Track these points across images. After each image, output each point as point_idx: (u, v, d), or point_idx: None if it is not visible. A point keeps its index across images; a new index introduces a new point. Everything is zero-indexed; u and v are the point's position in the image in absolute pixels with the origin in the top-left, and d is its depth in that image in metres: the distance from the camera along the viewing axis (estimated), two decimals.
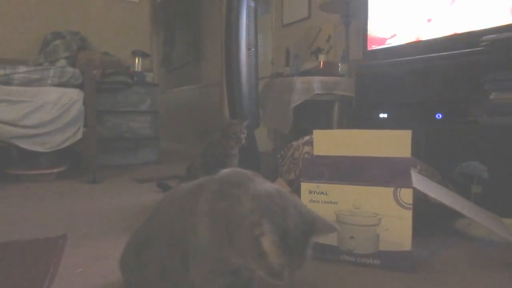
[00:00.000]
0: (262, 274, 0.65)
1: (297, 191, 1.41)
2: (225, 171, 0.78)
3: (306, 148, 1.62)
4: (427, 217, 1.24)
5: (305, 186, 1.09)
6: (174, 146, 4.53)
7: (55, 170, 2.48)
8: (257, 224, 0.61)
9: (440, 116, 1.77)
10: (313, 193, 1.08)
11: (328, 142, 1.11)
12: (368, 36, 2.13)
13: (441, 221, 1.35)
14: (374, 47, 2.11)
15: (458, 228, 1.34)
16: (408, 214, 1.00)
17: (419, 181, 1.11)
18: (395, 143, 1.02)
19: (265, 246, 0.61)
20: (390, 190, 1.01)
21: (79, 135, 2.34)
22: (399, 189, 1.00)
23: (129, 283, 0.88)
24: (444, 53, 1.72)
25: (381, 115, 1.99)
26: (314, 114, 2.39)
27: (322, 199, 1.07)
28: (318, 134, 1.12)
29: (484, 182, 1.42)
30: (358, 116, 2.10)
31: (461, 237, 1.28)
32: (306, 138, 1.70)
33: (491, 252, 1.16)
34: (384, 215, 1.02)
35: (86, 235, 1.37)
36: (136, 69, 3.11)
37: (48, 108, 2.25)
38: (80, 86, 2.41)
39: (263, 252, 0.62)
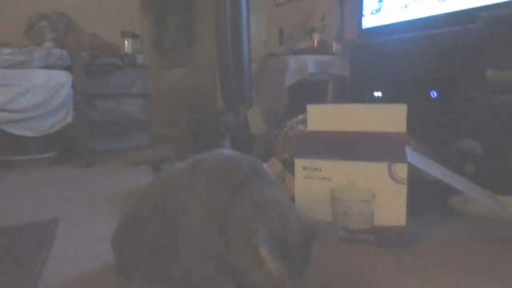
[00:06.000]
0: (260, 282, 0.63)
1: (290, 169, 1.40)
2: (222, 154, 0.76)
3: (300, 127, 1.60)
4: (421, 195, 1.24)
5: (299, 163, 1.08)
6: (167, 130, 4.49)
7: (46, 155, 2.43)
8: (255, 232, 0.60)
9: (435, 94, 1.75)
10: (307, 169, 1.07)
11: (323, 117, 1.09)
12: (363, 14, 2.09)
13: (435, 200, 1.35)
14: (369, 26, 2.07)
15: (452, 205, 1.34)
16: (403, 190, 0.99)
17: (414, 157, 1.10)
18: (390, 118, 1.01)
19: (264, 255, 0.60)
20: (385, 165, 1.00)
21: (69, 119, 2.30)
22: (393, 164, 0.99)
23: (122, 264, 0.87)
24: (440, 30, 1.70)
25: (376, 94, 1.97)
26: (308, 94, 2.36)
27: (316, 175, 1.06)
28: (312, 109, 1.10)
29: (478, 160, 1.42)
30: (353, 95, 2.08)
31: (455, 215, 1.28)
32: (300, 117, 1.68)
33: (485, 228, 1.16)
34: (379, 191, 1.01)
35: (79, 218, 1.35)
36: (126, 51, 3.04)
37: (36, 92, 2.19)
38: (68, 68, 2.35)
39: (261, 260, 0.60)
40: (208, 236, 0.67)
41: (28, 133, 2.21)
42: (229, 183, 0.68)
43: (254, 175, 0.70)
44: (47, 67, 2.28)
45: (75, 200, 1.61)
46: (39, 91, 2.21)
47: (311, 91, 2.35)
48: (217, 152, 0.76)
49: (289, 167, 1.43)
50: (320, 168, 1.06)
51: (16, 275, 0.91)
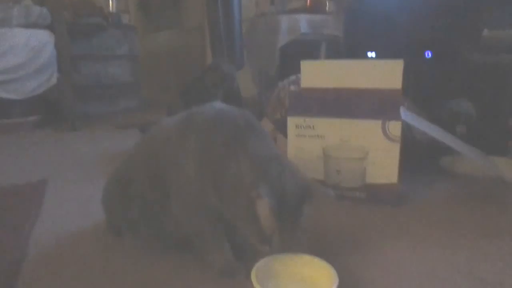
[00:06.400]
0: (251, 238, 0.63)
1: (281, 130, 1.38)
2: (215, 107, 0.73)
3: (292, 88, 1.57)
4: (413, 155, 1.24)
5: (292, 121, 1.06)
6: (156, 94, 4.41)
7: (31, 119, 2.37)
8: (254, 186, 0.58)
9: (430, 54, 1.72)
10: (300, 127, 1.05)
11: (317, 74, 1.06)
12: None
13: (426, 160, 1.36)
14: None
15: (443, 165, 1.35)
16: (396, 147, 0.98)
17: (408, 116, 1.09)
18: (386, 74, 0.98)
19: (259, 210, 0.59)
20: (379, 123, 0.98)
21: (53, 81, 2.22)
22: (387, 122, 0.98)
23: (112, 221, 0.86)
24: None
25: (369, 55, 1.93)
26: (300, 55, 2.30)
27: (309, 133, 1.04)
28: (306, 66, 1.07)
29: (470, 121, 1.42)
30: (346, 56, 2.04)
31: (445, 174, 1.29)
32: (292, 78, 1.65)
33: (475, 187, 1.18)
34: (372, 149, 1.00)
35: (68, 180, 1.33)
36: (111, 10, 2.91)
37: (17, 52, 2.10)
38: (50, 28, 2.24)
39: (256, 215, 0.59)
40: (201, 190, 0.66)
41: (11, 96, 2.14)
42: (222, 136, 0.66)
43: (249, 129, 0.68)
44: (27, 26, 2.17)
45: (62, 162, 1.58)
46: (20, 52, 2.11)
47: (304, 51, 2.30)
48: (209, 106, 0.73)
49: (281, 128, 1.41)
50: (313, 126, 1.04)
51: (6, 234, 0.90)
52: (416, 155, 1.28)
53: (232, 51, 2.24)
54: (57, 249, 0.83)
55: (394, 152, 0.99)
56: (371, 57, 1.91)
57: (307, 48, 2.27)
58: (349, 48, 2.02)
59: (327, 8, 2.31)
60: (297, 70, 1.37)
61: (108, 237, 0.85)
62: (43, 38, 2.17)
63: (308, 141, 1.04)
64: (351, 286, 0.65)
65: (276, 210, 0.58)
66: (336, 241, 0.84)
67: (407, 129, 1.19)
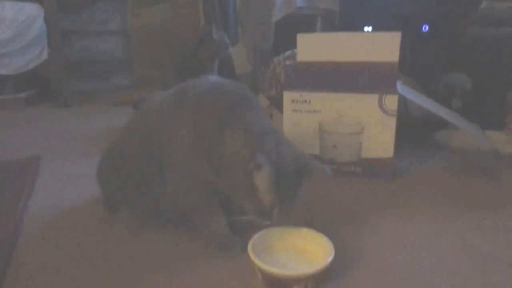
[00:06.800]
0: (250, 212, 0.63)
1: (277, 105, 1.37)
2: (209, 80, 0.71)
3: (288, 63, 1.55)
4: (408, 130, 1.24)
5: (288, 96, 1.04)
6: (149, 71, 4.35)
7: (22, 95, 2.33)
8: (251, 158, 0.57)
9: (427, 28, 1.70)
10: (296, 102, 1.04)
11: (313, 47, 1.04)
12: None
13: (422, 134, 1.36)
14: None
15: (438, 139, 1.35)
16: (392, 121, 0.98)
17: (404, 90, 1.08)
18: (383, 46, 0.96)
19: (258, 183, 0.58)
20: (375, 97, 0.98)
21: (43, 56, 2.17)
22: (384, 95, 0.97)
23: (108, 198, 0.86)
24: None
25: (366, 29, 1.90)
26: (296, 30, 2.27)
27: (306, 108, 1.03)
28: (303, 39, 1.05)
29: (465, 95, 1.41)
30: (342, 30, 2.00)
31: (440, 148, 1.30)
32: (288, 53, 1.62)
33: (469, 160, 1.19)
34: (368, 123, 1.00)
35: (61, 156, 1.32)
36: None
37: (5, 26, 2.04)
38: (39, 1, 2.17)
39: (254, 188, 0.59)
40: (196, 164, 0.65)
41: (2, 71, 2.10)
42: (216, 109, 0.65)
43: (244, 102, 0.66)
44: None
45: (55, 139, 1.56)
46: (9, 26, 2.05)
47: (299, 26, 2.26)
48: (203, 79, 0.72)
49: (277, 104, 1.40)
50: (309, 101, 1.03)
51: (1, 210, 0.89)
52: (412, 129, 1.28)
53: (226, 26, 2.19)
54: (52, 224, 0.83)
55: (390, 126, 0.98)
56: (368, 31, 1.88)
57: (303, 23, 2.23)
58: (345, 22, 1.98)
59: None
60: (292, 45, 1.34)
61: (104, 213, 0.85)
62: (32, 12, 2.11)
63: (304, 116, 1.03)
64: (347, 257, 0.66)
65: (275, 182, 0.58)
66: (332, 214, 0.84)
67: (402, 103, 1.18)
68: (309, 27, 2.21)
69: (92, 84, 2.87)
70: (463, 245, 0.71)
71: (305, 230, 0.67)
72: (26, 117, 2.03)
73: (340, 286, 0.59)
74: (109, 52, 2.89)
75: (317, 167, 0.66)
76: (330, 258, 0.59)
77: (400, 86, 1.04)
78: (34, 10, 2.12)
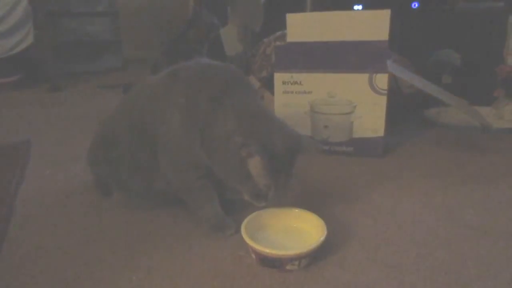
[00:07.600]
0: (245, 195, 0.63)
1: (268, 87, 1.36)
2: (200, 62, 0.71)
3: (278, 44, 1.54)
4: (399, 108, 1.25)
5: (278, 77, 1.04)
6: (138, 53, 4.27)
7: (10, 79, 2.28)
8: (244, 145, 0.58)
9: (416, 5, 1.69)
10: (286, 83, 1.04)
11: (303, 26, 1.03)
12: None
13: (411, 112, 1.37)
14: None
15: (428, 116, 1.37)
16: (383, 100, 0.99)
17: (394, 68, 1.08)
18: (373, 24, 0.96)
19: (252, 168, 0.59)
20: (366, 76, 0.98)
21: (30, 39, 2.12)
22: (374, 74, 0.97)
23: (100, 180, 0.86)
24: None
25: (356, 7, 1.88)
26: (285, 9, 2.24)
27: (297, 89, 1.03)
28: (292, 18, 1.04)
29: (455, 71, 1.42)
30: (332, 9, 1.98)
31: (430, 125, 1.31)
32: (278, 33, 1.61)
33: (459, 137, 1.20)
34: (359, 102, 1.00)
35: (52, 140, 1.31)
36: None
37: None
38: None
39: (248, 173, 0.59)
40: (188, 145, 0.66)
41: None
42: (208, 91, 0.65)
43: (235, 83, 0.66)
44: None
45: (45, 123, 1.55)
46: None
47: (289, 6, 2.23)
48: (195, 61, 0.72)
49: (268, 85, 1.39)
50: (300, 82, 1.03)
51: None
52: (402, 107, 1.29)
53: (215, 7, 2.15)
54: (44, 207, 0.82)
55: (381, 105, 0.99)
56: (358, 10, 1.87)
57: (292, 2, 2.19)
58: (335, 1, 1.96)
59: None
60: (282, 26, 1.32)
61: (97, 196, 0.85)
62: None
63: (295, 97, 1.03)
64: (339, 235, 0.67)
65: (269, 167, 0.59)
66: (324, 192, 0.86)
67: (393, 81, 1.19)
68: (299, 6, 2.17)
69: (80, 67, 2.82)
70: (453, 218, 0.73)
71: (297, 210, 0.68)
72: (14, 101, 2.00)
73: (333, 263, 0.60)
74: (96, 34, 2.83)
75: (309, 144, 0.67)
76: (322, 237, 0.60)
77: (390, 64, 1.04)
78: None
